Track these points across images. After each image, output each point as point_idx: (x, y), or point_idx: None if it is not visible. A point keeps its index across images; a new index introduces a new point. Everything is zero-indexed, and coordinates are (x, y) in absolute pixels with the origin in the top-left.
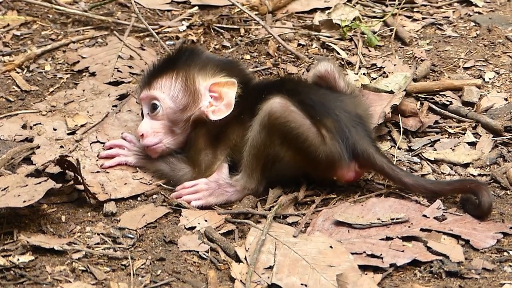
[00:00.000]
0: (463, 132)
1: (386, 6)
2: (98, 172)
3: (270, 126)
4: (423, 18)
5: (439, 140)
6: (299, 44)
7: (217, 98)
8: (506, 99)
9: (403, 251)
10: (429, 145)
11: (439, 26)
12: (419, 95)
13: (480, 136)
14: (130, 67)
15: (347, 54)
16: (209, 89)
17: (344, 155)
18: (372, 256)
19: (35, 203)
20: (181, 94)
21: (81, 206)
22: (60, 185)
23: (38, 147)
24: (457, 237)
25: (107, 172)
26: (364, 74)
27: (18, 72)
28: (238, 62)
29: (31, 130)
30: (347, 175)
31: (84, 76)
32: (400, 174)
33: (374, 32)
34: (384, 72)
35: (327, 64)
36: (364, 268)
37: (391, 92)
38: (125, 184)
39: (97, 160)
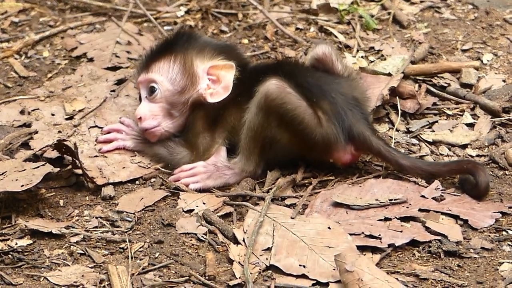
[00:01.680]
0: (461, 113)
1: None
2: (96, 156)
3: (266, 108)
4: (421, 1)
5: (437, 121)
6: (297, 28)
7: (215, 81)
8: (504, 81)
9: (401, 231)
10: (427, 126)
11: (437, 9)
12: (417, 78)
13: (478, 117)
14: (128, 52)
15: (345, 37)
16: (207, 72)
17: (340, 137)
18: (371, 236)
19: (33, 188)
20: (179, 77)
21: (79, 190)
22: (58, 169)
23: (36, 132)
24: (456, 217)
25: (105, 157)
26: (362, 57)
27: (16, 59)
28: (236, 45)
29: (29, 115)
30: (343, 158)
31: (82, 62)
32: (396, 156)
33: (372, 16)
34: (382, 55)
35: (324, 47)
36: (362, 248)
37: (389, 74)
38: (123, 168)
39: (95, 145)
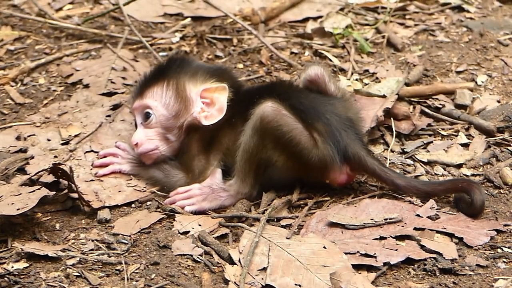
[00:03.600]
0: (456, 134)
1: (378, 13)
2: (92, 180)
3: (262, 130)
4: (415, 25)
5: (432, 142)
6: (291, 52)
7: (209, 103)
8: (498, 101)
9: (396, 250)
10: (422, 147)
11: (431, 32)
12: (412, 99)
13: (473, 137)
14: (123, 78)
15: (340, 61)
16: (201, 95)
17: (336, 158)
18: (366, 255)
19: (29, 211)
20: (173, 101)
21: (75, 214)
22: (54, 192)
23: (32, 157)
24: (451, 235)
25: (101, 181)
26: (356, 79)
27: (12, 86)
28: (228, 68)
29: (25, 141)
30: (339, 178)
31: (78, 88)
32: (392, 176)
33: (367, 39)
34: (377, 78)
35: (317, 68)
36: (358, 267)
37: (384, 96)
38: (119, 191)
39: (91, 169)
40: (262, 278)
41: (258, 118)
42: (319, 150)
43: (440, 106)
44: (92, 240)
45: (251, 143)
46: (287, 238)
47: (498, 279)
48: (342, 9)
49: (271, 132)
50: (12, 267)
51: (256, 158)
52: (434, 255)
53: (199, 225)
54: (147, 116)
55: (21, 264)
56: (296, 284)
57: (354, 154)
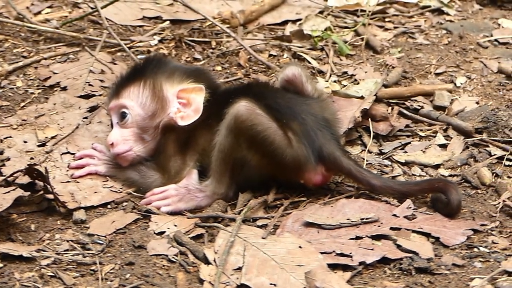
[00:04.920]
0: (434, 135)
1: (358, 16)
2: (68, 182)
3: (236, 130)
4: (395, 27)
5: (410, 143)
6: (270, 55)
7: (185, 104)
8: (477, 103)
9: (372, 249)
10: (399, 148)
11: (410, 35)
12: (390, 101)
13: (451, 138)
14: (101, 81)
15: (319, 63)
16: (177, 95)
17: (310, 158)
18: (342, 255)
19: (4, 212)
20: (149, 101)
21: (50, 215)
22: (29, 193)
23: (8, 159)
24: (427, 235)
25: (77, 182)
26: (335, 81)
27: None
28: (205, 69)
29: (1, 143)
30: (314, 178)
31: (56, 90)
32: (367, 177)
33: (346, 42)
34: (355, 79)
35: (294, 68)
36: (333, 266)
37: (362, 97)
38: (95, 192)
39: (67, 171)
40: (237, 278)
41: (232, 117)
42: (293, 150)
43: (419, 107)
44: (67, 241)
45: (226, 142)
46: (262, 238)
47: (474, 278)
48: (321, 12)
49: (245, 131)
50: None
51: (231, 157)
52: (410, 255)
53: (175, 225)
54: (123, 115)
55: None
56: (271, 284)
57: (329, 154)
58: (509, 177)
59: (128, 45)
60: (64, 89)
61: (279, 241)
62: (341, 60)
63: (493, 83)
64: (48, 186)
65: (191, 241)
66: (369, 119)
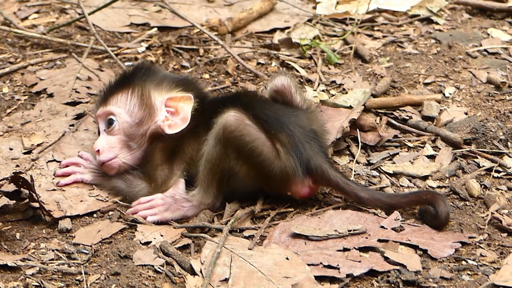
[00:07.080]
0: (422, 145)
1: (347, 25)
2: (54, 190)
3: (225, 140)
4: (384, 36)
5: (398, 153)
6: (258, 63)
7: (173, 113)
8: (466, 113)
9: (360, 261)
10: (387, 158)
11: (399, 44)
12: (379, 111)
13: (440, 149)
14: (88, 88)
15: (307, 72)
16: (165, 103)
17: (298, 171)
18: (329, 267)
19: None
20: (137, 108)
21: (36, 224)
22: (14, 202)
23: None
24: (415, 247)
25: (63, 190)
26: (323, 90)
27: None
28: (194, 78)
29: None
30: (301, 191)
31: (42, 97)
32: (355, 189)
33: (334, 50)
34: (344, 89)
35: (283, 79)
36: (320, 279)
37: (350, 107)
38: (81, 201)
39: (53, 179)
40: None
41: (221, 127)
42: (281, 162)
43: (407, 117)
44: (53, 250)
45: (213, 152)
46: (249, 249)
47: None
48: (310, 20)
49: (234, 142)
50: None
51: (219, 168)
52: (398, 267)
53: (161, 235)
54: (110, 122)
55: None
56: None
57: (317, 167)
58: (497, 189)
59: (115, 52)
60: (51, 96)
61: (266, 252)
62: (329, 69)
63: (482, 93)
64: (34, 194)
65: (177, 252)
66: (357, 129)
